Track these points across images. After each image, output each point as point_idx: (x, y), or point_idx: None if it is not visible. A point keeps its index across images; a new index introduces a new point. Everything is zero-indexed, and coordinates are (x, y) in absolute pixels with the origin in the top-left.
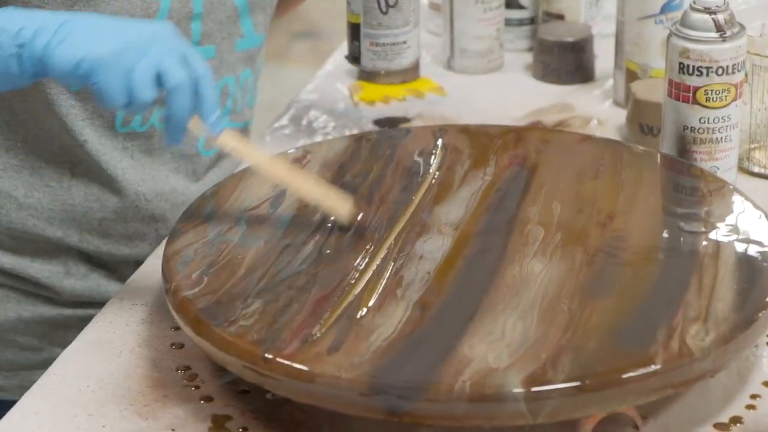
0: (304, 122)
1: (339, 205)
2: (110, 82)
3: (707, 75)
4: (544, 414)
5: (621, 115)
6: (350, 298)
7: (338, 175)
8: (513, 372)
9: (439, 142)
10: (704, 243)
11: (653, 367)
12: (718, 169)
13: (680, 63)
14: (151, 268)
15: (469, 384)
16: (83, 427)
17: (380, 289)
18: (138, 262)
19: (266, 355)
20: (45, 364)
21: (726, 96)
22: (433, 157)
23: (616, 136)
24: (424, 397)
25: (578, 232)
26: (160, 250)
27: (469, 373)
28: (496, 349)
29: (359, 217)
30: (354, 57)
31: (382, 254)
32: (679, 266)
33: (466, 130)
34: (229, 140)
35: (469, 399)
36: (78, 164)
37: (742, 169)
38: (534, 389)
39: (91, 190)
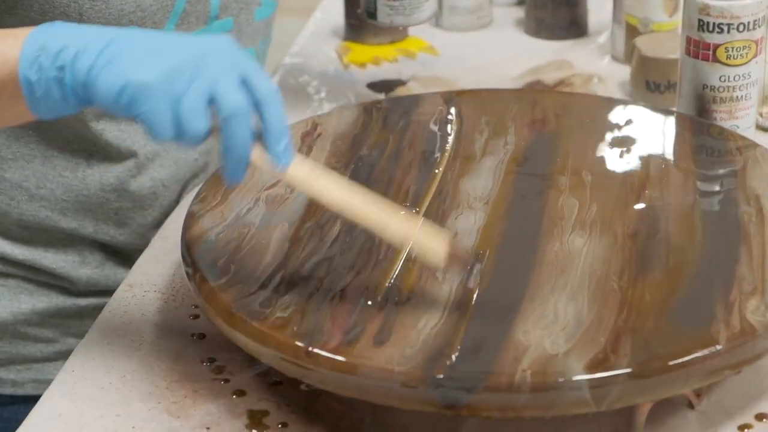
0: (295, 87)
1: (433, 245)
2: (156, 113)
3: (728, 32)
4: (609, 401)
5: (622, 71)
6: (389, 282)
7: (353, 148)
8: (573, 358)
9: (453, 109)
10: (745, 209)
11: (718, 347)
12: (738, 127)
13: (699, 20)
14: (158, 250)
15: (530, 373)
16: (111, 429)
17: (419, 272)
18: None
19: (311, 349)
20: (60, 356)
21: (747, 53)
22: (449, 125)
23: (619, 93)
24: (483, 389)
25: (614, 203)
26: (165, 231)
27: (528, 362)
28: (552, 333)
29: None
30: (369, 13)
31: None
32: (724, 236)
33: (478, 94)
34: (299, 174)
35: (531, 389)
36: (94, 153)
37: (757, 126)
38: (598, 375)
39: (108, 180)
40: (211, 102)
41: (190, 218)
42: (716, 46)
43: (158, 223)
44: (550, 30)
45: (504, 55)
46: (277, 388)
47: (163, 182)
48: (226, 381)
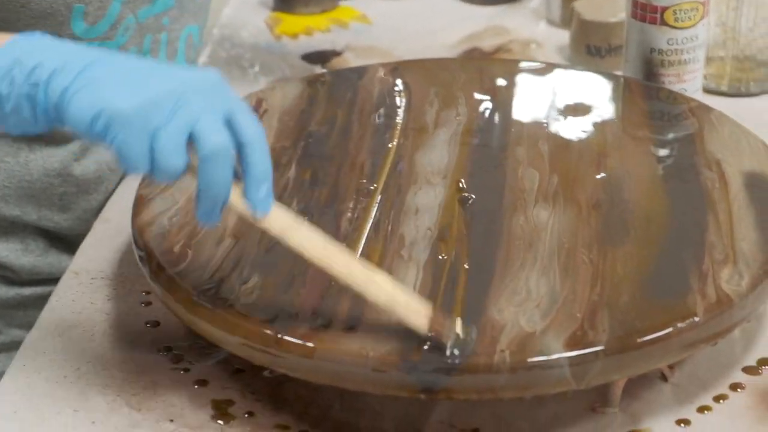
0: (228, 60)
1: (415, 312)
2: (131, 145)
3: None
4: (588, 378)
5: (559, 36)
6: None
7: (302, 123)
8: (551, 336)
9: (399, 81)
10: (708, 175)
11: (696, 319)
12: (686, 90)
13: None
14: (101, 234)
15: (509, 353)
16: (71, 425)
17: (383, 251)
18: None
19: (280, 336)
20: (4, 348)
21: (694, 15)
22: (397, 98)
23: (558, 58)
24: (462, 371)
25: (574, 173)
26: (106, 214)
27: (506, 341)
28: (526, 310)
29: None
30: None
31: (372, 211)
32: (689, 204)
33: (422, 64)
34: (277, 224)
35: (511, 369)
36: (36, 137)
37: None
38: (578, 352)
39: (51, 165)
40: (191, 139)
41: (140, 202)
42: (664, 9)
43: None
44: None
45: (438, 22)
46: (240, 375)
47: (108, 165)
48: (186, 370)
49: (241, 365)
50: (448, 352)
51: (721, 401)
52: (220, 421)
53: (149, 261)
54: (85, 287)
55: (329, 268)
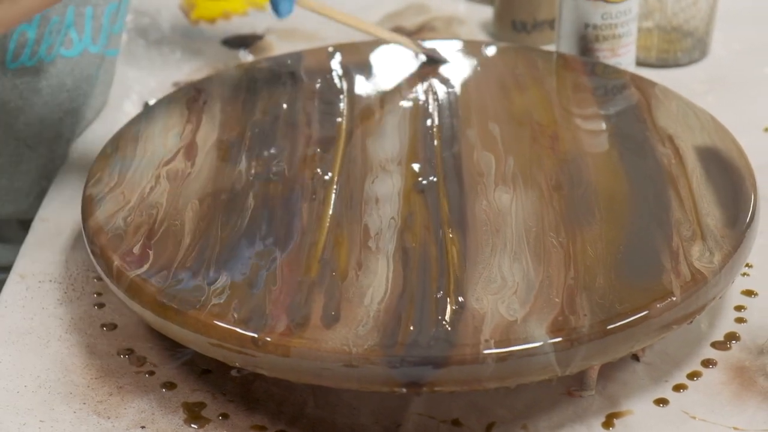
0: (148, 48)
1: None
2: None
3: None
4: (573, 363)
5: (480, 12)
6: (320, 256)
7: (246, 113)
8: (533, 323)
9: (337, 66)
10: (663, 151)
11: (673, 298)
12: (621, 64)
13: None
14: (42, 234)
15: (494, 342)
16: None
17: (349, 243)
18: (21, 222)
19: (258, 336)
20: None
21: None
22: (338, 83)
23: (482, 34)
24: (448, 364)
25: (528, 154)
26: (44, 212)
27: (489, 331)
28: (504, 298)
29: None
30: None
31: (331, 201)
32: (649, 181)
33: (357, 48)
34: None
35: (497, 359)
36: None
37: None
38: (562, 338)
39: None
40: None
41: (89, 203)
42: None
43: (25, 189)
44: None
45: (358, 2)
46: (208, 377)
47: (26, 141)
48: (151, 373)
49: (208, 366)
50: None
51: (695, 378)
52: (194, 425)
53: (107, 264)
54: (33, 291)
55: (358, 27)
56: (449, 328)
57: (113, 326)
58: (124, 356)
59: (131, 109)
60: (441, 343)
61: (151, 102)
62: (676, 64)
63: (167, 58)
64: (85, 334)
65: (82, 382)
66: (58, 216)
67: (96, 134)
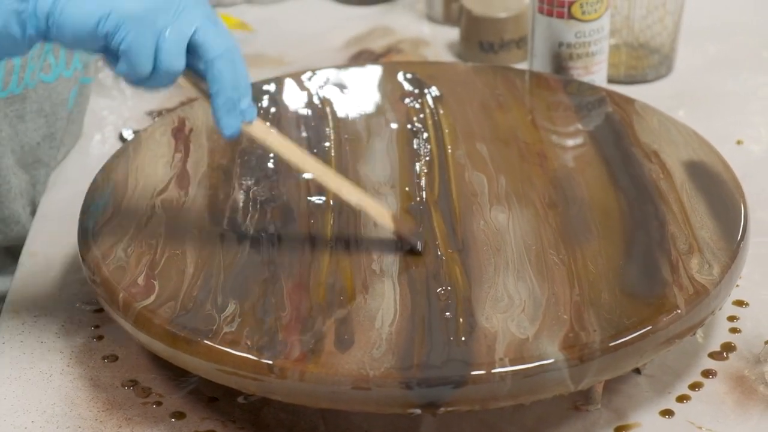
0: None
1: (381, 213)
2: (140, 44)
3: None
4: (586, 379)
5: (444, 33)
6: (327, 281)
7: (235, 142)
8: (545, 340)
9: (319, 91)
10: (650, 166)
11: (678, 311)
12: (595, 81)
13: None
14: (31, 268)
15: (508, 360)
16: None
17: (352, 267)
18: (9, 249)
19: (274, 363)
20: None
21: (599, 7)
22: (322, 108)
23: (450, 55)
24: (465, 384)
25: (519, 173)
26: (31, 246)
27: (502, 349)
28: (513, 316)
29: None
30: None
31: (329, 225)
32: (641, 196)
33: (335, 73)
34: (263, 129)
35: (513, 376)
36: None
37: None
38: (576, 354)
39: None
40: (190, 44)
41: (87, 235)
42: (571, 3)
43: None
44: None
45: (320, 25)
46: (216, 404)
47: (12, 169)
48: (158, 404)
49: (214, 393)
50: (418, 246)
51: (697, 389)
52: None
53: (112, 296)
54: (30, 326)
55: (310, 169)
56: (463, 348)
57: (114, 357)
58: (129, 388)
59: (107, 139)
60: (457, 363)
61: (126, 132)
62: (644, 80)
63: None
64: (87, 367)
65: (90, 415)
66: (46, 249)
67: (75, 163)
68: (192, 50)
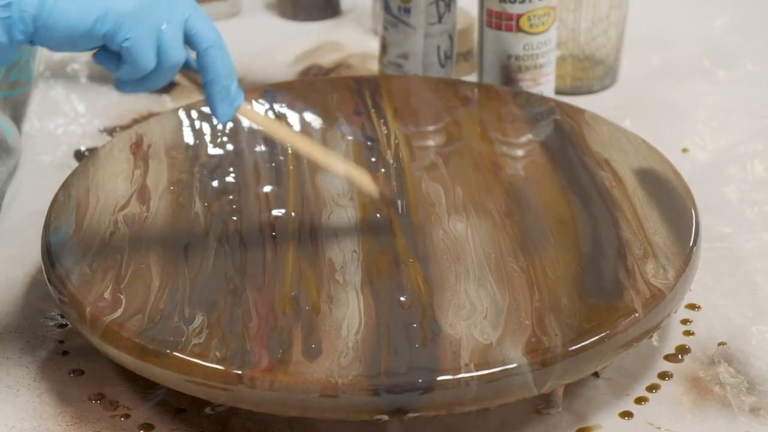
0: (68, 95)
1: (364, 178)
2: (141, 40)
3: (530, 1)
4: (549, 382)
5: None
6: (292, 291)
7: (192, 157)
8: (508, 345)
9: (274, 105)
10: (602, 174)
11: (636, 315)
12: (543, 92)
13: None
14: None
15: (474, 365)
16: None
17: (316, 277)
18: None
19: (243, 373)
20: None
21: (547, 20)
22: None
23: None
24: (432, 389)
25: (475, 183)
26: None
27: (467, 355)
28: (476, 323)
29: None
30: None
31: (291, 237)
32: (595, 204)
33: (291, 87)
34: (250, 110)
35: (479, 382)
36: None
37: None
38: (538, 358)
39: None
40: (186, 36)
41: (51, 252)
42: (519, 16)
43: None
44: (308, 12)
45: (267, 41)
46: (183, 415)
47: None
48: (127, 416)
49: (181, 405)
50: (399, 210)
51: (654, 391)
52: None
53: (79, 311)
54: None
55: (297, 144)
56: (429, 355)
57: (81, 372)
58: (96, 401)
59: (61, 157)
60: (423, 370)
61: (83, 149)
62: (589, 91)
63: (91, 106)
64: (53, 381)
65: (58, 429)
66: (8, 270)
67: (30, 183)
68: (185, 41)
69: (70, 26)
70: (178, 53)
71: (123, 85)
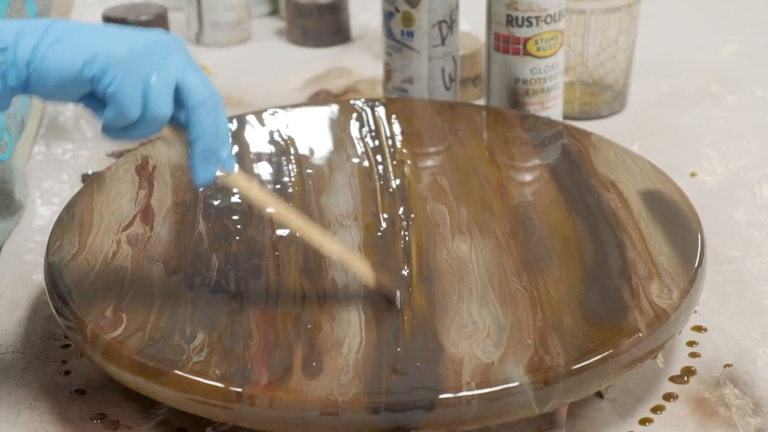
0: (76, 121)
1: (361, 266)
2: (128, 87)
3: (537, 24)
4: (551, 402)
5: None
6: (294, 310)
7: None
8: (510, 364)
9: (279, 129)
10: (608, 196)
11: (640, 335)
12: (551, 116)
13: (508, 15)
14: (1, 307)
15: (475, 384)
16: None
17: (319, 296)
18: None
19: (243, 390)
20: None
21: (554, 43)
22: (283, 145)
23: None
24: (433, 408)
25: (480, 204)
26: None
27: (469, 374)
28: (479, 341)
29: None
30: None
31: (294, 257)
32: (600, 225)
33: (297, 110)
34: (242, 179)
35: (480, 400)
36: None
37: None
38: (540, 377)
39: None
40: (176, 89)
41: (54, 270)
42: (526, 40)
43: None
44: (318, 38)
45: (277, 67)
46: None
47: None
48: None
49: (182, 424)
50: (397, 304)
51: (659, 412)
52: None
53: (80, 329)
54: None
55: (292, 223)
56: (431, 373)
57: (82, 392)
58: (97, 421)
59: (68, 180)
60: (424, 389)
61: (90, 173)
62: (598, 116)
63: (97, 130)
64: (55, 401)
65: None
66: (12, 291)
67: (37, 207)
68: (175, 97)
69: (60, 70)
70: (165, 106)
71: (109, 132)
